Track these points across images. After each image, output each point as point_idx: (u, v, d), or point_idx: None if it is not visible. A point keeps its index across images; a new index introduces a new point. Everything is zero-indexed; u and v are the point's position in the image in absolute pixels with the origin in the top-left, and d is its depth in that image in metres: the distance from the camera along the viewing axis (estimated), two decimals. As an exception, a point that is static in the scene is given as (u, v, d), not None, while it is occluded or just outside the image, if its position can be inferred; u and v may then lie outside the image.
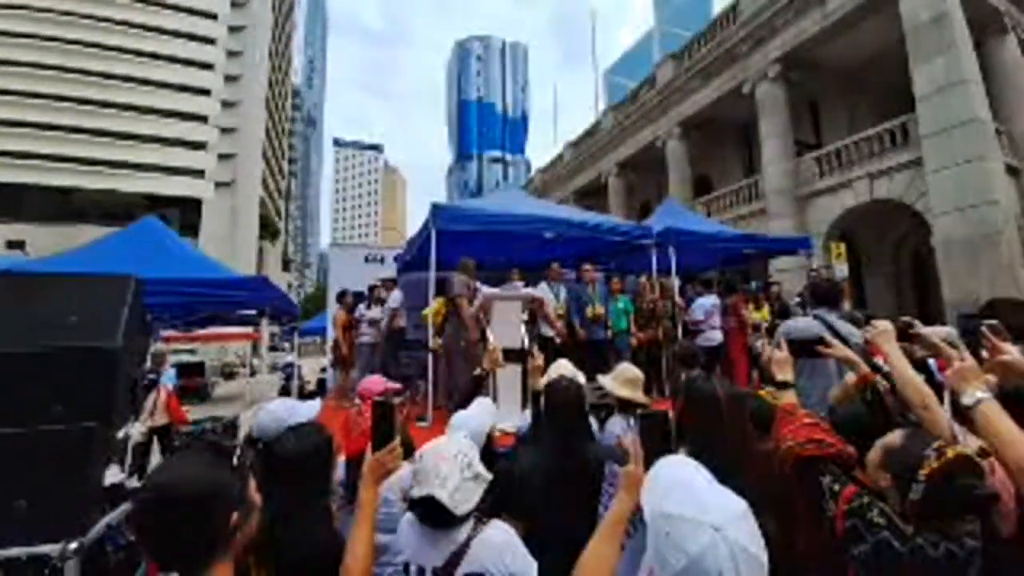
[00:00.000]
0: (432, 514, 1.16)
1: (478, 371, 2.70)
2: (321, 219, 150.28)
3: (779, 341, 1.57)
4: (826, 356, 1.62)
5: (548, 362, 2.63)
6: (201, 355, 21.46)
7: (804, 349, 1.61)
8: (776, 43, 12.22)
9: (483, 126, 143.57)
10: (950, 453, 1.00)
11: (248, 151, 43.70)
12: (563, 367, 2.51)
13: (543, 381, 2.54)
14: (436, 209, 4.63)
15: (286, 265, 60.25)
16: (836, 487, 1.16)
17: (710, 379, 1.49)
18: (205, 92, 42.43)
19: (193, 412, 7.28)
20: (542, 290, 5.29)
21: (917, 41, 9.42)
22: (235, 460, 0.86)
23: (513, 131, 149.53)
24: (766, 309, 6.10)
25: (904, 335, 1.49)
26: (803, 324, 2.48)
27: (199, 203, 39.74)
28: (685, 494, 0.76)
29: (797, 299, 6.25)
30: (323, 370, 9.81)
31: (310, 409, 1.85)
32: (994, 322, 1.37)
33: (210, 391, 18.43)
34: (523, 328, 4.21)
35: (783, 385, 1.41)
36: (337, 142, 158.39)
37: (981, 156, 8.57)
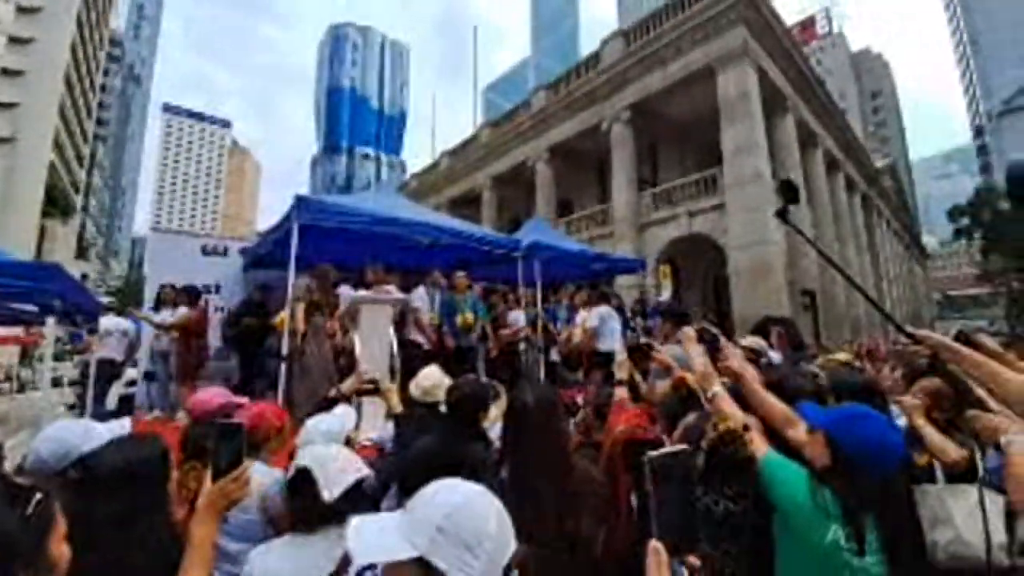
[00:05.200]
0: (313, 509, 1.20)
1: (334, 392, 2.55)
2: (139, 199, 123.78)
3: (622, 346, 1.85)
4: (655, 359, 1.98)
5: (416, 369, 2.62)
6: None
7: (638, 355, 1.93)
8: (628, 91, 14.17)
9: (356, 119, 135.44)
10: (721, 427, 1.32)
11: (38, 102, 33.76)
12: (432, 374, 2.53)
13: (411, 386, 2.53)
14: (301, 201, 4.25)
15: (83, 251, 47.91)
16: None
17: (525, 387, 1.50)
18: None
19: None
20: (419, 295, 5.21)
21: (726, 109, 11.88)
22: (33, 503, 0.69)
23: (389, 130, 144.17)
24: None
25: (702, 338, 1.87)
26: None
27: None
28: None
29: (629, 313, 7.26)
30: (130, 384, 8.02)
31: (116, 430, 1.49)
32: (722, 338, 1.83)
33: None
34: (393, 336, 4.10)
35: (619, 383, 1.67)
36: (168, 108, 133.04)
37: (762, 207, 11.13)
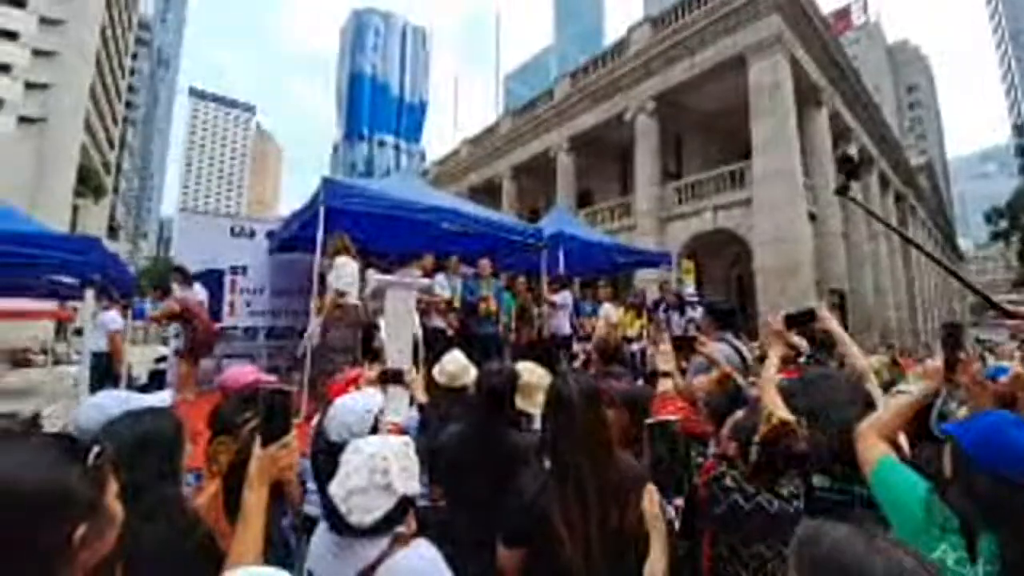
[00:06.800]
0: (332, 515, 1.03)
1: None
2: (167, 181, 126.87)
3: (663, 337, 1.79)
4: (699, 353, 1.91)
5: (439, 355, 2.61)
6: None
7: (684, 345, 1.85)
8: (654, 82, 13.82)
9: (377, 105, 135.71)
10: (775, 420, 1.26)
11: (70, 83, 34.63)
12: (457, 359, 2.51)
13: (436, 371, 2.52)
14: (328, 184, 4.26)
15: (113, 231, 49.36)
16: (700, 460, 1.39)
17: (567, 377, 1.39)
18: (17, 3, 32.77)
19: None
20: (439, 282, 5.22)
21: (757, 102, 11.48)
22: (91, 458, 0.68)
23: (410, 116, 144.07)
24: (641, 318, 6.62)
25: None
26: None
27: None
28: None
29: (654, 305, 7.07)
30: (160, 360, 8.24)
31: (158, 402, 1.52)
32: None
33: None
34: (417, 320, 4.10)
35: (664, 375, 1.62)
36: (194, 92, 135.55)
37: (791, 203, 10.79)
